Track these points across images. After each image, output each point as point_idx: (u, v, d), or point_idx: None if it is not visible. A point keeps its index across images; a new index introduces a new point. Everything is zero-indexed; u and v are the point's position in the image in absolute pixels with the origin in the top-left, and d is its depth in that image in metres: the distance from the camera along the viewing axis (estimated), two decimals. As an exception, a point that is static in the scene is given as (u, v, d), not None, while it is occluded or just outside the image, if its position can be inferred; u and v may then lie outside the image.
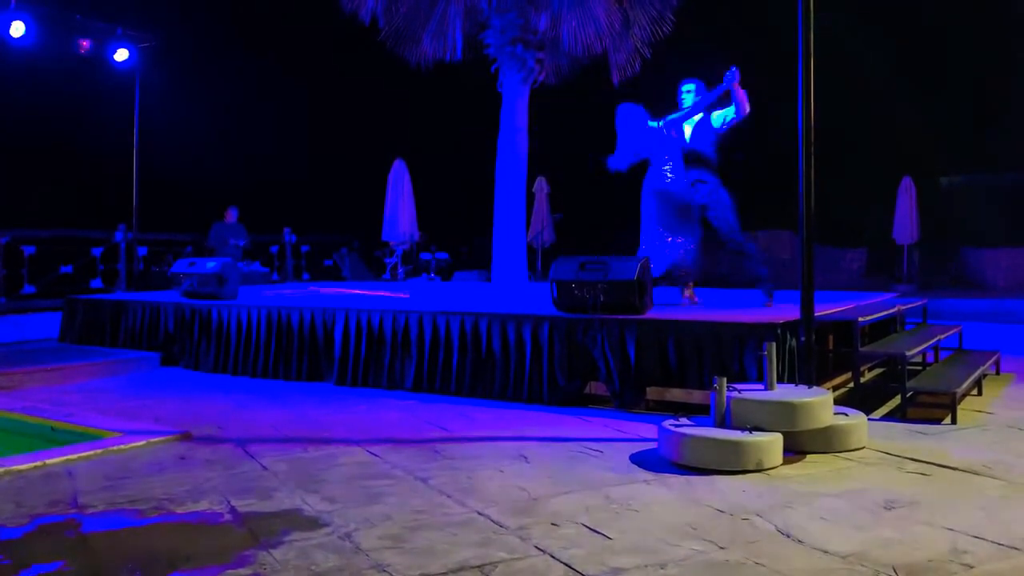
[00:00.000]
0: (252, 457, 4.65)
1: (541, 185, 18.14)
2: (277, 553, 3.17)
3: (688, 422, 4.62)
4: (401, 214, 16.06)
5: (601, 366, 6.10)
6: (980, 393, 6.37)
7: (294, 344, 7.58)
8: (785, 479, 4.14)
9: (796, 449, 4.58)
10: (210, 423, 5.61)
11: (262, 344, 7.78)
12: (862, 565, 3.01)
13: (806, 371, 5.12)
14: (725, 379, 4.65)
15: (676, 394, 5.85)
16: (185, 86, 15.24)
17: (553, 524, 3.48)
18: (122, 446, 4.83)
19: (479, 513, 3.63)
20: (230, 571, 3.00)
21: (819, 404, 4.55)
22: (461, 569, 3.01)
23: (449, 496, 3.89)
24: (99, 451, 4.73)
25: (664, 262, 7.25)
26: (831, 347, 6.41)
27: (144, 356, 8.31)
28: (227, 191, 14.14)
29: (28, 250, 12.78)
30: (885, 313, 7.01)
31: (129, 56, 12.06)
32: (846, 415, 4.81)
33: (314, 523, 3.51)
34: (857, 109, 16.57)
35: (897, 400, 5.86)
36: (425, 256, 16.55)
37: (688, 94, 7.38)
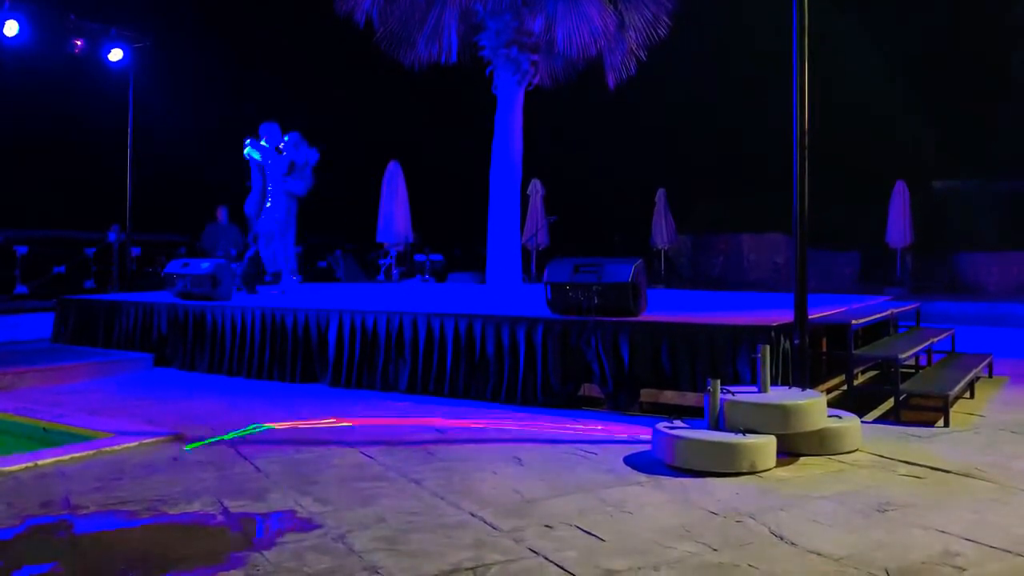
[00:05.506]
0: (245, 458, 4.64)
1: (536, 187, 18.14)
2: (270, 554, 3.16)
3: (682, 424, 4.63)
4: (396, 216, 16.06)
5: (595, 368, 6.10)
6: (973, 396, 6.38)
7: (288, 345, 7.57)
8: (779, 481, 4.15)
9: (790, 451, 4.58)
10: (203, 424, 5.59)
11: (256, 345, 7.76)
12: (855, 567, 3.02)
13: (800, 374, 5.13)
14: (719, 381, 4.66)
15: (670, 396, 5.86)
16: (179, 87, 15.23)
17: (547, 526, 3.48)
18: (115, 447, 4.81)
19: (473, 515, 3.63)
20: (223, 573, 2.99)
21: (812, 407, 4.56)
22: (454, 571, 3.01)
23: (443, 498, 3.88)
24: (91, 452, 4.71)
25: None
26: (824, 350, 6.42)
27: (137, 357, 8.28)
28: (221, 192, 14.10)
29: (21, 250, 12.75)
30: (878, 316, 7.03)
31: (123, 56, 12.04)
32: (839, 418, 4.82)
33: (307, 524, 3.51)
34: (851, 113, 16.63)
35: (890, 403, 5.88)
36: (419, 258, 16.54)
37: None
